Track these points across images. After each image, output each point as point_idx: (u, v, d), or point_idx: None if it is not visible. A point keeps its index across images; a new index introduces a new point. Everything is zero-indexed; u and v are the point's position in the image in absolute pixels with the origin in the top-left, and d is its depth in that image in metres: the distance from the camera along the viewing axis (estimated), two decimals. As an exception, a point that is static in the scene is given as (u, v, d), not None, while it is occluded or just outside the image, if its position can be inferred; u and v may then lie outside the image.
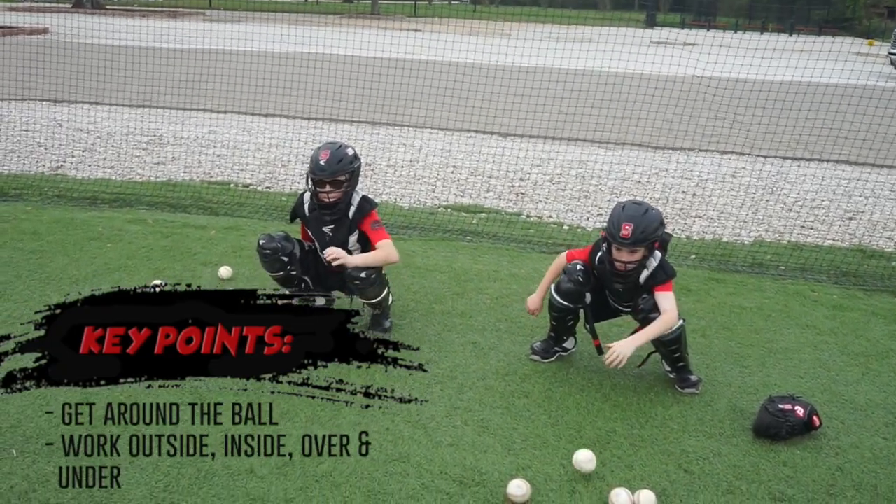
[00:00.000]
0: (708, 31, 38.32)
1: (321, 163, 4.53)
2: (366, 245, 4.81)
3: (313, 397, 4.02)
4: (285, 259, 4.70)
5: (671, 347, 4.22)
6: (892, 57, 21.98)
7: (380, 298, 4.76)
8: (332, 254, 4.59)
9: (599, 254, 4.32)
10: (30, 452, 3.49)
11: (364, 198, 4.78)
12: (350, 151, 4.66)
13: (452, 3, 69.67)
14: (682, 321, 4.20)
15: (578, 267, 4.38)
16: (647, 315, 4.20)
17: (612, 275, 4.25)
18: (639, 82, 12.63)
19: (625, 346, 4.15)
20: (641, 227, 4.03)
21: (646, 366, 4.50)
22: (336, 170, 4.55)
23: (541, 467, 3.57)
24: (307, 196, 4.81)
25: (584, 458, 3.49)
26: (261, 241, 4.71)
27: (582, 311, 4.51)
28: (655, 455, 3.73)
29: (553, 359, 4.63)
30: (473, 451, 3.68)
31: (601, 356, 4.47)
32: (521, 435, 3.84)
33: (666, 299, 4.17)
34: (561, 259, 4.54)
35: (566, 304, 4.41)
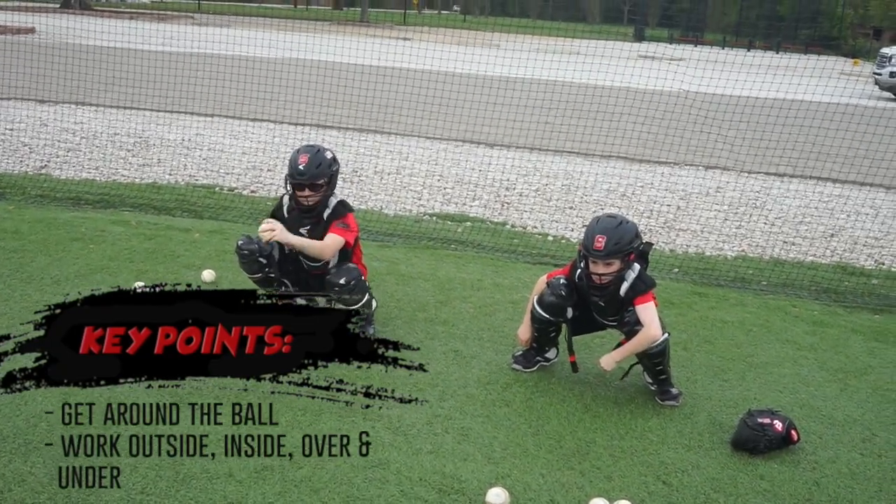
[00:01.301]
0: (696, 46, 38.56)
1: (300, 167, 4.54)
2: (346, 251, 4.81)
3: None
4: (263, 261, 4.68)
5: (655, 360, 4.24)
6: (876, 77, 22.19)
7: (360, 305, 4.75)
8: (267, 224, 4.56)
9: (578, 270, 4.35)
10: (6, 452, 3.46)
11: (340, 202, 4.80)
12: (329, 155, 4.67)
13: (442, 12, 69.88)
14: (666, 335, 4.22)
15: (561, 281, 4.41)
16: (632, 328, 4.22)
17: (591, 289, 4.28)
18: (626, 95, 12.68)
19: (606, 361, 4.25)
20: (615, 240, 4.08)
21: (627, 378, 4.51)
22: (315, 173, 4.56)
23: (520, 476, 3.58)
24: (286, 199, 4.82)
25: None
26: (239, 243, 4.70)
27: (564, 325, 4.54)
28: (634, 466, 3.74)
29: (535, 368, 4.64)
30: (453, 458, 3.68)
31: (575, 373, 4.50)
32: (502, 444, 3.84)
33: (646, 311, 4.20)
34: (542, 281, 4.57)
35: (548, 316, 4.44)
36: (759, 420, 3.94)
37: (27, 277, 5.45)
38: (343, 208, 4.77)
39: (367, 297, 4.80)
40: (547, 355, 4.69)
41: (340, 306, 4.77)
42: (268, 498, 3.29)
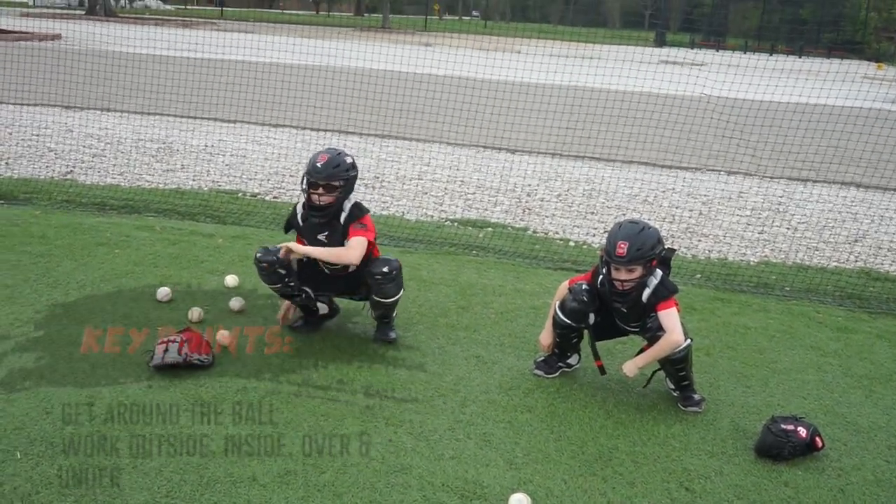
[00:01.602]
0: (717, 51, 38.41)
1: (318, 165, 4.57)
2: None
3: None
4: (282, 271, 4.66)
5: (678, 366, 4.23)
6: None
7: (395, 298, 4.77)
8: (285, 251, 4.61)
9: (601, 276, 4.35)
10: (34, 455, 3.50)
11: (356, 204, 4.80)
12: (349, 160, 4.70)
13: (463, 18, 69.99)
14: (689, 340, 4.21)
15: (583, 287, 4.41)
16: (654, 334, 4.21)
17: (613, 295, 4.28)
18: (647, 101, 12.65)
19: (629, 368, 4.26)
20: (637, 245, 4.08)
21: (650, 385, 4.50)
22: (331, 174, 4.58)
23: (542, 482, 3.57)
24: (300, 206, 4.84)
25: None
26: (257, 255, 4.67)
27: (586, 331, 4.53)
28: (657, 472, 3.73)
29: (556, 374, 4.63)
30: (475, 464, 3.68)
31: (603, 376, 4.51)
32: (524, 449, 3.84)
33: (668, 317, 4.19)
34: (563, 286, 4.57)
35: (570, 322, 4.43)
36: (783, 426, 3.92)
37: (53, 282, 5.51)
38: (359, 210, 4.78)
39: (402, 291, 4.82)
40: (569, 361, 4.69)
41: (376, 299, 4.77)
42: (291, 502, 3.31)
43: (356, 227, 4.68)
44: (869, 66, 30.58)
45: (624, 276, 4.16)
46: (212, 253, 6.39)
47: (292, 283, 4.75)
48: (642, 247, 4.10)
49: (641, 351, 4.37)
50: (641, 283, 4.21)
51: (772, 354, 5.17)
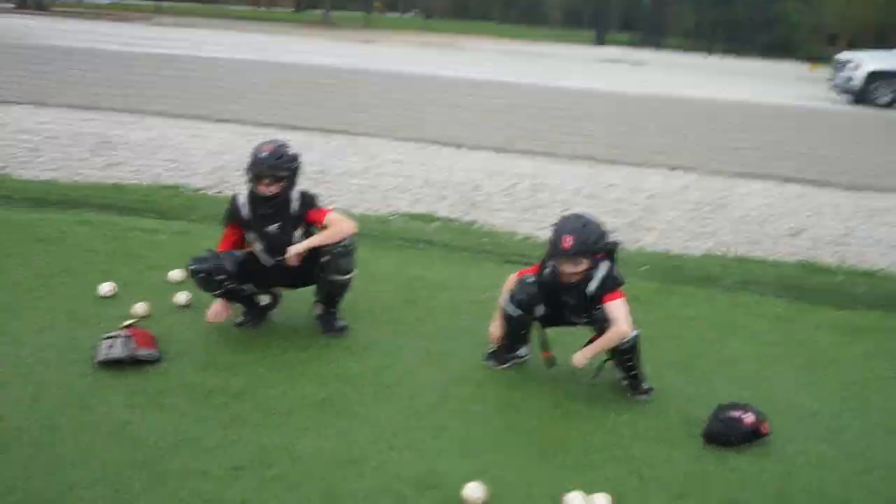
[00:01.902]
0: (657, 50, 38.99)
1: (262, 155, 4.56)
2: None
3: (264, 391, 4.00)
4: (221, 277, 4.58)
5: (626, 356, 4.28)
6: (835, 81, 22.57)
7: (350, 276, 4.75)
8: (292, 256, 4.59)
9: (547, 269, 4.38)
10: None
11: (303, 193, 4.78)
12: (291, 150, 4.69)
13: (404, 15, 69.85)
14: (636, 331, 4.26)
15: (530, 280, 4.44)
16: (602, 325, 4.25)
17: (561, 287, 4.31)
18: (590, 97, 12.79)
19: (578, 359, 4.30)
20: (582, 239, 4.13)
21: (598, 376, 4.55)
22: (276, 164, 4.56)
23: (497, 471, 3.58)
24: (241, 199, 4.76)
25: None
26: (191, 267, 4.57)
27: (535, 322, 4.56)
28: (608, 460, 3.76)
29: (507, 365, 4.65)
30: (430, 454, 3.67)
31: (550, 368, 4.53)
32: (477, 439, 3.85)
33: (616, 308, 4.23)
34: (511, 279, 4.59)
35: (519, 312, 4.45)
36: (731, 413, 3.99)
37: (-10, 278, 5.36)
38: (310, 198, 4.77)
39: (355, 269, 4.79)
40: (519, 353, 4.71)
41: (332, 278, 4.72)
42: (245, 495, 3.26)
43: (316, 208, 4.71)
44: (801, 67, 31.35)
45: (570, 268, 4.20)
46: (154, 248, 6.27)
47: (233, 286, 4.67)
48: (587, 240, 4.15)
49: (590, 342, 4.41)
50: (588, 276, 4.25)
51: (716, 345, 5.26)
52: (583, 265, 4.19)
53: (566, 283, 4.27)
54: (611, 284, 4.27)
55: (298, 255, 4.62)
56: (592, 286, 4.26)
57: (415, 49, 14.29)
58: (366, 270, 6.00)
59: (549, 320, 4.57)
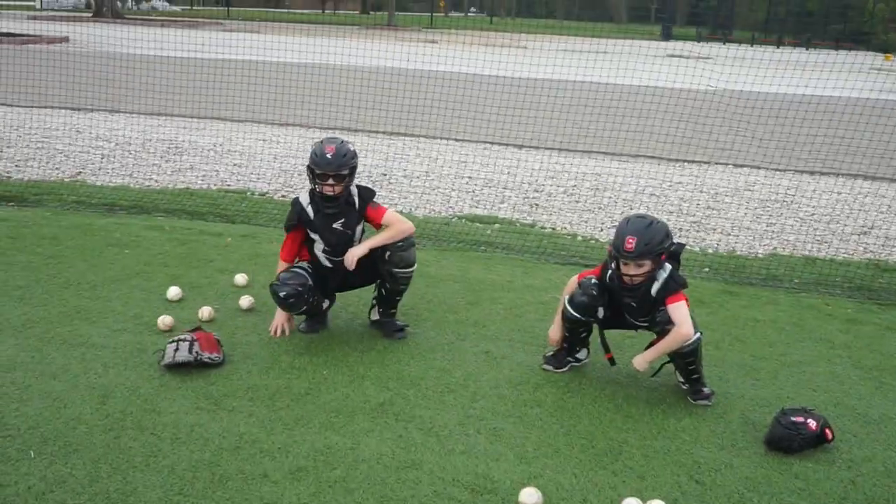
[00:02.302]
0: (724, 44, 38.30)
1: (328, 156, 4.60)
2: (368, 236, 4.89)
3: (325, 394, 4.07)
4: (307, 297, 4.68)
5: (688, 360, 4.24)
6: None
7: (413, 269, 4.83)
8: (352, 260, 4.66)
9: (609, 271, 4.35)
10: (47, 454, 3.53)
11: (360, 186, 4.85)
12: (351, 147, 4.75)
13: (468, 14, 69.93)
14: (698, 334, 4.21)
15: (592, 281, 4.41)
16: (664, 327, 4.22)
17: (623, 289, 4.28)
18: (654, 95, 12.63)
19: (639, 362, 4.29)
20: (646, 240, 4.07)
21: (658, 377, 4.51)
22: (341, 164, 4.62)
23: (553, 476, 3.59)
24: (304, 199, 4.82)
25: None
26: (280, 294, 4.62)
27: (596, 325, 4.54)
28: (667, 466, 3.73)
29: (566, 369, 4.65)
30: (486, 459, 3.70)
31: (613, 367, 4.53)
32: (534, 444, 3.85)
33: (678, 310, 4.19)
34: (572, 281, 4.57)
35: (579, 316, 4.44)
36: (793, 418, 3.92)
37: (64, 282, 5.55)
38: (368, 192, 4.85)
39: (416, 265, 4.86)
40: (578, 356, 4.70)
41: (395, 271, 4.78)
42: (302, 498, 3.32)
43: (374, 207, 4.79)
44: (877, 57, 30.44)
45: (633, 270, 4.16)
46: (221, 252, 6.42)
47: (314, 300, 4.77)
48: (651, 241, 4.10)
49: (651, 345, 4.38)
50: (650, 278, 4.21)
51: (781, 347, 5.16)
52: (646, 267, 4.15)
53: (628, 286, 4.24)
54: (673, 287, 4.22)
55: (353, 259, 4.68)
56: (655, 288, 4.23)
57: (478, 49, 14.30)
58: (427, 272, 6.07)
59: (610, 323, 4.54)
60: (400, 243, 4.72)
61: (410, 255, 4.79)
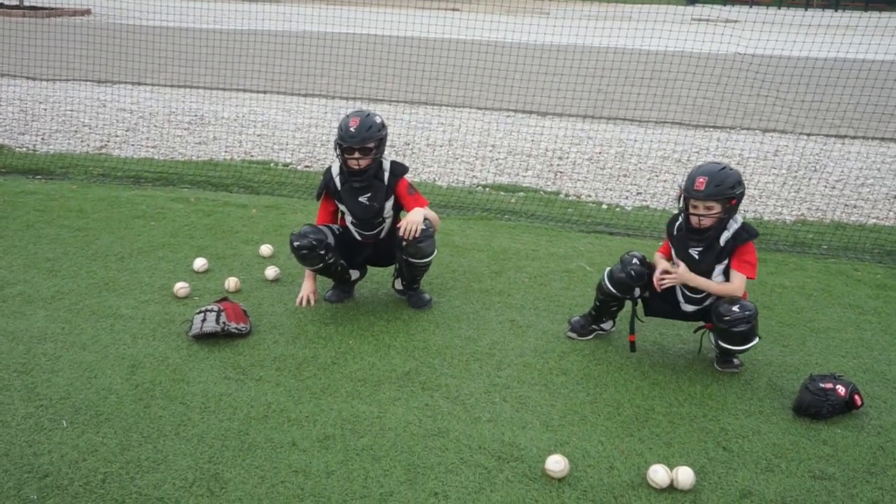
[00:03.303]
0: (750, 7, 37.71)
1: (351, 129, 4.55)
2: (398, 212, 4.85)
3: (352, 364, 4.10)
4: (322, 252, 4.63)
5: (741, 330, 4.10)
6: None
7: (430, 258, 4.77)
8: (412, 227, 4.58)
9: (677, 223, 4.30)
10: (79, 423, 3.58)
11: (394, 162, 4.82)
12: (378, 119, 4.68)
13: (491, -19, 69.25)
14: (756, 339, 4.17)
15: (634, 260, 4.34)
16: (729, 326, 4.08)
17: (690, 232, 4.19)
18: (679, 60, 12.47)
19: (685, 274, 4.18)
20: (717, 181, 4.01)
21: (685, 344, 4.49)
22: (365, 137, 4.57)
23: (579, 443, 3.59)
24: (335, 169, 4.80)
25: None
26: (295, 243, 4.60)
27: (630, 301, 4.45)
28: (694, 432, 3.72)
29: (591, 337, 4.63)
30: (512, 426, 3.70)
31: (632, 352, 4.46)
32: (560, 411, 3.85)
33: (739, 277, 4.12)
34: (657, 254, 4.46)
35: (615, 291, 4.38)
36: (822, 385, 3.89)
37: (92, 254, 5.60)
38: (400, 168, 4.80)
39: (435, 252, 4.82)
40: (603, 326, 4.68)
41: (412, 261, 4.75)
42: (330, 466, 3.35)
43: (411, 194, 4.77)
44: (908, 19, 29.83)
45: (702, 211, 4.09)
46: (246, 223, 6.44)
47: (332, 260, 4.73)
48: (721, 184, 4.02)
49: (701, 327, 4.34)
50: (720, 226, 4.13)
51: (809, 313, 5.12)
52: (715, 210, 4.06)
53: (696, 228, 4.16)
54: (745, 236, 4.14)
55: (415, 229, 4.59)
56: (724, 237, 4.15)
57: (500, 16, 14.18)
58: (452, 242, 6.07)
59: (655, 308, 4.46)
60: (422, 231, 4.63)
61: (427, 247, 4.71)
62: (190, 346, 4.32)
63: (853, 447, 3.65)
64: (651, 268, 4.33)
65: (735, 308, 4.07)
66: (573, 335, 4.63)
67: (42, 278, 5.15)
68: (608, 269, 4.45)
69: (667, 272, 4.21)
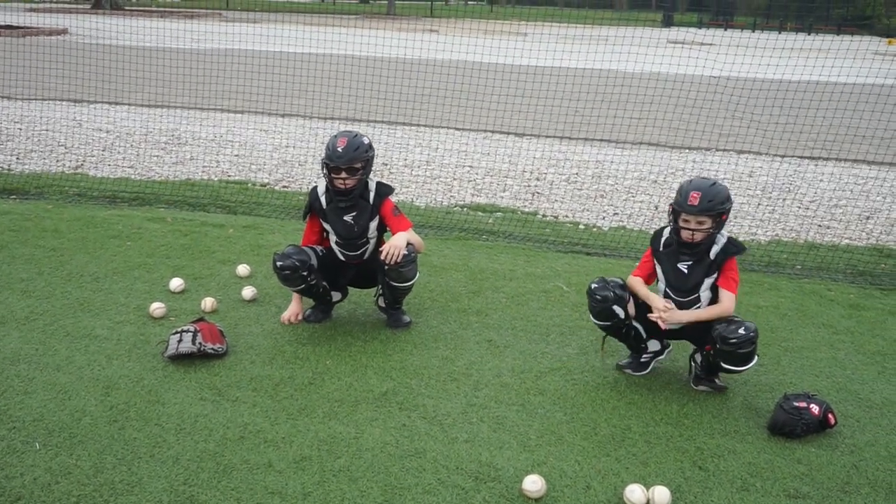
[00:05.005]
0: (725, 30, 38.20)
1: (339, 149, 4.57)
2: (382, 233, 4.87)
3: (329, 384, 4.08)
4: (304, 273, 4.64)
5: (744, 353, 4.09)
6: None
7: (412, 282, 4.77)
8: (394, 252, 4.56)
9: (664, 237, 4.32)
10: (52, 445, 3.54)
11: (380, 182, 4.84)
12: (365, 140, 4.71)
13: (469, 3, 69.73)
14: (756, 358, 4.16)
15: (594, 286, 4.29)
16: (735, 348, 4.04)
17: (680, 247, 4.22)
18: (655, 82, 12.61)
19: (679, 314, 4.22)
20: (709, 197, 4.06)
21: (663, 362, 4.51)
22: (353, 157, 4.59)
23: (556, 463, 3.60)
24: (321, 189, 4.82)
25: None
26: (277, 263, 4.61)
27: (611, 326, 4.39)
28: (670, 452, 3.74)
29: (648, 371, 4.53)
30: (489, 447, 3.70)
31: (599, 360, 4.46)
32: (537, 431, 3.86)
33: (729, 297, 4.17)
34: (630, 281, 4.42)
35: (603, 323, 4.35)
36: (796, 404, 3.92)
37: (67, 275, 5.56)
38: (385, 188, 4.82)
39: (417, 276, 4.82)
40: (648, 352, 4.56)
41: (394, 285, 4.74)
42: (307, 488, 3.34)
43: (396, 216, 4.79)
44: (880, 42, 30.33)
45: (693, 226, 4.13)
46: (223, 243, 6.42)
47: (314, 281, 4.74)
48: (714, 199, 4.07)
49: (700, 360, 4.35)
50: (710, 240, 4.17)
51: (783, 333, 5.17)
52: (706, 224, 4.11)
53: (687, 242, 4.17)
54: (733, 249, 4.20)
55: (398, 254, 4.57)
56: (714, 251, 4.19)
57: (477, 37, 14.29)
58: (430, 262, 6.08)
59: (650, 328, 4.40)
60: (404, 256, 4.61)
61: (409, 272, 4.71)
62: (165, 367, 4.29)
63: (827, 466, 3.68)
64: (628, 290, 4.34)
65: (741, 330, 4.06)
66: (629, 372, 4.54)
67: (16, 299, 5.10)
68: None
69: (664, 316, 4.20)
